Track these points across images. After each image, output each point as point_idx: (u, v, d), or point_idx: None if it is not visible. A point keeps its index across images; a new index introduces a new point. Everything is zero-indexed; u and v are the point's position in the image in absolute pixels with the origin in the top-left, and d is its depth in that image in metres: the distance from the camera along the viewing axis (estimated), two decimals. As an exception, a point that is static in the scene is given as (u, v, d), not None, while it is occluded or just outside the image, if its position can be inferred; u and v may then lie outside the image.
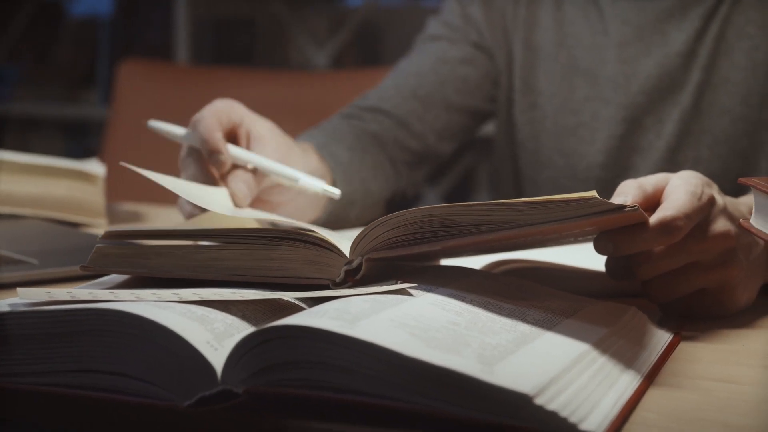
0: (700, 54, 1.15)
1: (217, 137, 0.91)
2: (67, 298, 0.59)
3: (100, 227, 1.17)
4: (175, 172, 0.92)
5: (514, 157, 1.28)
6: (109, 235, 0.69)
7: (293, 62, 2.87)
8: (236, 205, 0.90)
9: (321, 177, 1.00)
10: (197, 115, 0.93)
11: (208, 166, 0.91)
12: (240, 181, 0.91)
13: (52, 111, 3.08)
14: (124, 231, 0.69)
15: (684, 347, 0.68)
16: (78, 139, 3.24)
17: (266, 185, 0.94)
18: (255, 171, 0.92)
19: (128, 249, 0.68)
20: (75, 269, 0.84)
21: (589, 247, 0.74)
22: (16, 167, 1.15)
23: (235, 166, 0.92)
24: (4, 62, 3.25)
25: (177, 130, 0.94)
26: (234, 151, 0.92)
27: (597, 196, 0.61)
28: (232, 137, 0.95)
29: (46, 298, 0.59)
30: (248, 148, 0.95)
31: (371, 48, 2.85)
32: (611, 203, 0.62)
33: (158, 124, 0.95)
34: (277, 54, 2.89)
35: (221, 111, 0.94)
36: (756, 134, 1.13)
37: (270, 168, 0.92)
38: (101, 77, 3.08)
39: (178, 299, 0.59)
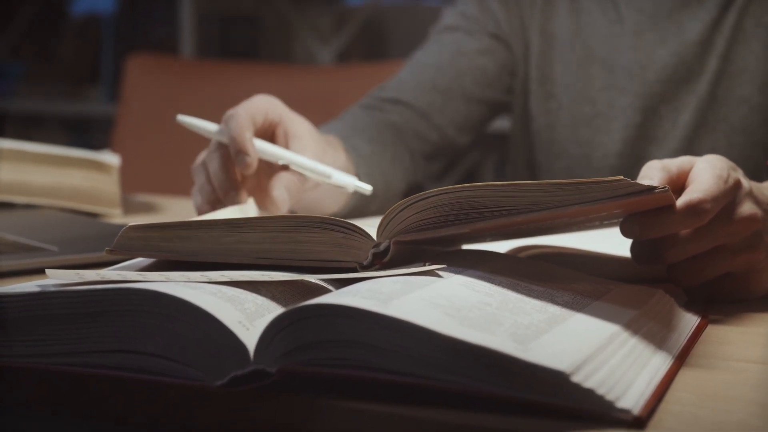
0: (717, 43, 1.15)
1: (246, 137, 0.88)
2: (97, 278, 0.59)
3: (116, 217, 1.17)
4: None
5: (529, 147, 1.28)
6: (134, 228, 0.68)
7: (298, 59, 2.86)
8: (276, 211, 0.89)
9: (347, 172, 1.00)
10: (230, 111, 0.91)
11: (232, 166, 0.90)
12: (282, 186, 0.90)
13: (56, 108, 3.08)
14: (148, 225, 0.68)
15: (712, 330, 0.67)
16: (81, 136, 3.23)
17: (309, 188, 0.93)
18: (288, 168, 0.92)
19: (154, 232, 0.67)
20: (95, 256, 0.85)
21: (613, 232, 0.73)
22: (32, 157, 1.15)
23: (280, 168, 0.91)
24: (8, 59, 3.25)
25: (208, 126, 0.92)
26: (264, 147, 0.91)
27: (624, 178, 0.61)
28: (270, 135, 0.94)
29: (76, 279, 0.58)
30: (286, 146, 0.94)
31: (375, 46, 2.85)
32: (641, 185, 0.62)
33: (187, 119, 0.93)
34: (282, 51, 2.89)
35: (257, 108, 0.92)
36: (773, 123, 1.13)
37: (302, 164, 0.91)
38: (105, 74, 3.07)
39: (207, 280, 0.59)
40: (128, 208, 1.21)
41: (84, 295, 0.56)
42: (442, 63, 1.24)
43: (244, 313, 0.56)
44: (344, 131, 1.11)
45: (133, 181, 1.55)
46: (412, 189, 1.23)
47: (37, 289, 0.57)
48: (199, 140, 0.94)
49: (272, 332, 0.53)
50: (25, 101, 3.09)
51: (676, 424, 0.50)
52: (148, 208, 1.23)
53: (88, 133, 3.24)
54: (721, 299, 0.74)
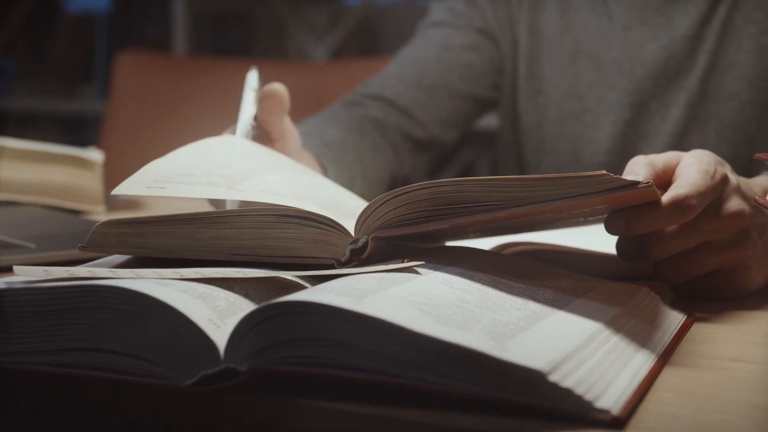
0: (707, 38, 1.13)
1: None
2: (65, 275, 0.57)
3: (98, 214, 1.15)
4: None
5: (518, 144, 1.27)
6: (107, 225, 0.67)
7: (292, 57, 2.85)
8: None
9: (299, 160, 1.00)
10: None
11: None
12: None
13: (50, 106, 3.07)
14: (121, 220, 0.66)
15: (697, 328, 0.66)
16: (76, 134, 3.22)
17: None
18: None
19: (128, 228, 0.66)
20: (73, 253, 0.83)
21: (599, 229, 0.72)
22: (15, 153, 1.14)
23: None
24: (2, 57, 3.23)
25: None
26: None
27: (607, 173, 0.59)
28: None
29: (44, 276, 0.57)
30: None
31: (369, 44, 2.83)
32: (625, 179, 0.60)
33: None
34: (276, 49, 2.88)
35: None
36: (764, 119, 1.11)
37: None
38: (99, 72, 3.06)
39: (179, 277, 0.58)
40: (111, 205, 1.20)
41: (51, 293, 0.55)
42: (427, 58, 1.23)
43: (216, 310, 0.54)
44: (313, 124, 1.11)
45: (121, 179, 1.53)
46: (399, 180, 1.22)
47: (3, 286, 0.56)
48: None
49: (243, 330, 0.51)
50: (20, 99, 3.08)
51: (656, 424, 0.49)
52: (132, 205, 1.22)
53: (82, 130, 3.23)
54: (708, 297, 0.73)
